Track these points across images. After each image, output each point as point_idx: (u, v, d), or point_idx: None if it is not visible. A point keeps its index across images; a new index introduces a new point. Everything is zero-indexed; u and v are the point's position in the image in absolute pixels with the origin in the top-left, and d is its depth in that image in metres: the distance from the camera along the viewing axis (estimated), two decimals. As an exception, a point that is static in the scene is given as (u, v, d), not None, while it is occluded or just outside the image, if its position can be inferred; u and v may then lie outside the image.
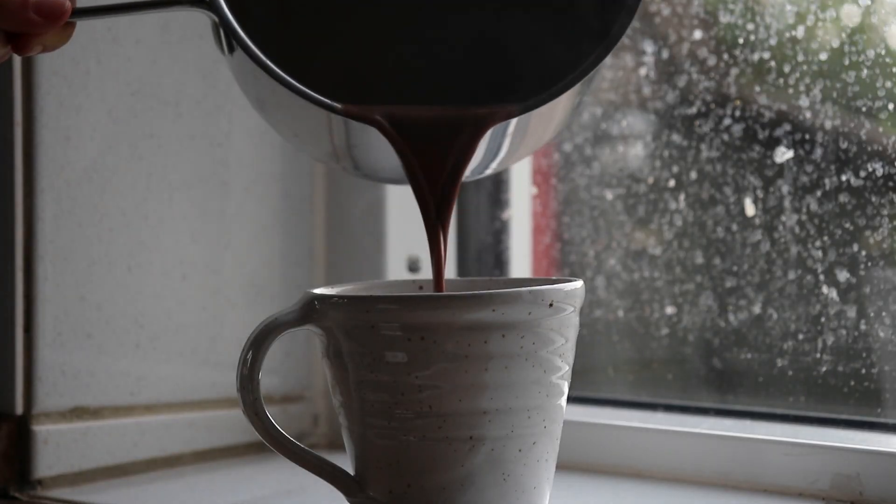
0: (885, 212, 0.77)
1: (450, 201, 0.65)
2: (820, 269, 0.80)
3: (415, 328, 0.60)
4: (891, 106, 0.77)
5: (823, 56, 0.80)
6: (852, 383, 0.78)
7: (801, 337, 0.81)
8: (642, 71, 0.87)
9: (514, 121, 0.63)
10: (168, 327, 0.83)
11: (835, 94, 0.79)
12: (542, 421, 0.62)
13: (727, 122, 0.83)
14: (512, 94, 0.64)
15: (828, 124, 0.79)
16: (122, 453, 0.81)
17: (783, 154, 0.81)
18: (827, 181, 0.79)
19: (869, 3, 0.79)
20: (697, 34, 0.85)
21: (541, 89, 0.63)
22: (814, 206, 0.80)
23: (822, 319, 0.79)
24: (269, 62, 0.62)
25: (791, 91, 0.81)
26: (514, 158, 0.69)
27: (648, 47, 0.87)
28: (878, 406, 0.77)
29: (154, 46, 0.82)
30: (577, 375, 0.70)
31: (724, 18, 0.84)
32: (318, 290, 0.64)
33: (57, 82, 0.78)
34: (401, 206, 0.89)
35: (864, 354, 0.78)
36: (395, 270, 0.89)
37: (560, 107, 0.64)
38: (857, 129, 0.78)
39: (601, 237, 0.89)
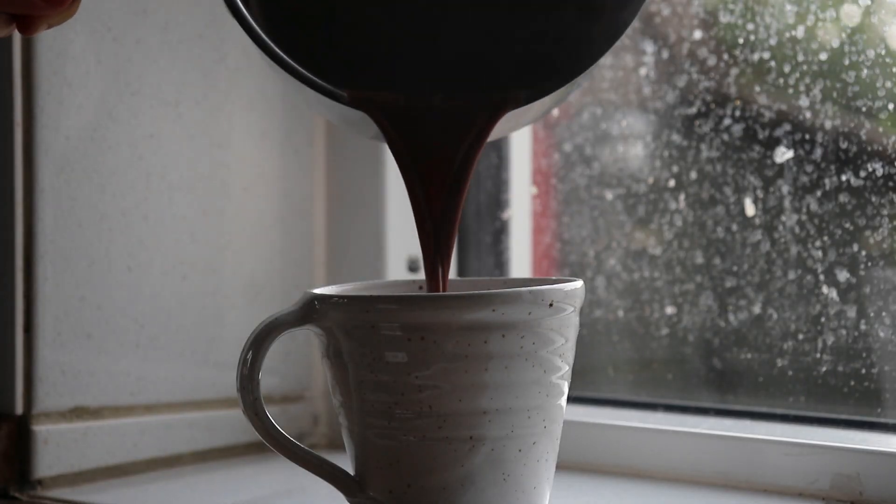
0: (885, 212, 0.77)
1: (455, 211, 0.65)
2: (820, 269, 0.80)
3: (415, 328, 0.60)
4: (891, 106, 0.77)
5: (823, 56, 0.80)
6: (852, 383, 0.78)
7: (801, 337, 0.80)
8: (642, 71, 0.87)
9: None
10: (168, 327, 0.83)
11: (835, 94, 0.79)
12: (542, 421, 0.62)
13: (727, 122, 0.83)
14: (519, 81, 0.64)
15: (828, 124, 0.79)
16: (122, 453, 0.81)
17: (783, 154, 0.81)
18: (827, 181, 0.79)
19: (869, 3, 0.79)
20: (697, 34, 0.85)
21: (549, 75, 0.63)
22: (814, 206, 0.80)
23: (822, 319, 0.79)
24: (274, 46, 0.62)
25: (791, 91, 0.81)
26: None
27: (648, 47, 0.87)
28: (878, 406, 0.77)
29: (154, 46, 0.82)
30: (577, 375, 0.70)
31: (724, 18, 0.84)
32: (318, 290, 0.64)
33: (57, 82, 0.78)
34: (401, 206, 0.89)
35: (864, 354, 0.78)
36: (395, 270, 0.89)
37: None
38: (857, 129, 0.78)
39: (601, 237, 0.89)
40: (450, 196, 0.64)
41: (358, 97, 0.63)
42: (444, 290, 0.65)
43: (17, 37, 0.77)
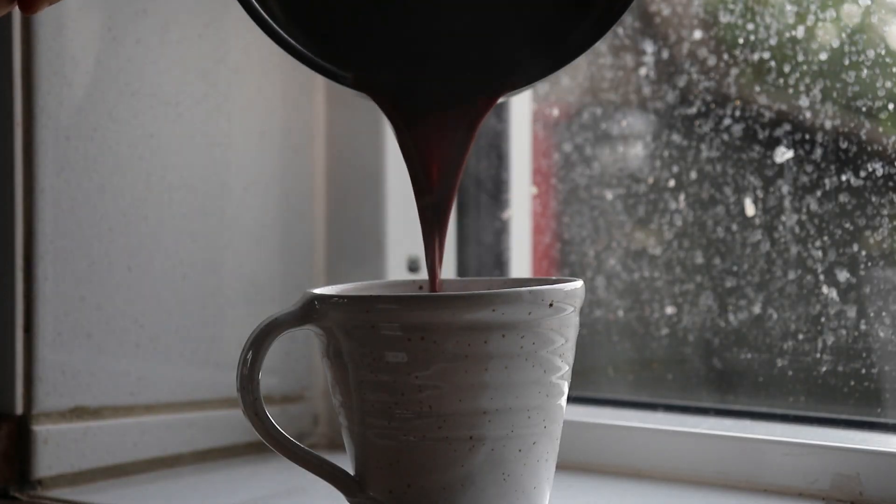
0: (885, 212, 0.77)
1: (450, 193, 0.65)
2: (820, 269, 0.80)
3: (415, 328, 0.60)
4: (891, 106, 0.77)
5: (823, 56, 0.80)
6: (852, 383, 0.78)
7: (801, 337, 0.80)
8: (642, 71, 0.87)
9: None
10: (168, 327, 0.83)
11: (835, 94, 0.79)
12: (542, 421, 0.62)
13: (727, 122, 0.83)
14: (515, 65, 0.65)
15: (828, 124, 0.79)
16: (122, 453, 0.81)
17: (783, 154, 0.81)
18: (827, 181, 0.79)
19: (869, 3, 0.79)
20: (697, 34, 0.85)
21: (544, 59, 0.64)
22: (814, 206, 0.80)
23: (822, 319, 0.79)
24: (278, 28, 0.63)
25: (791, 91, 0.81)
26: None
27: (648, 47, 0.87)
28: (878, 406, 0.77)
29: (154, 46, 0.82)
30: (577, 375, 0.70)
31: (724, 18, 0.84)
32: (318, 290, 0.64)
33: (57, 82, 0.78)
34: (401, 206, 0.89)
35: (864, 354, 0.78)
36: (395, 270, 0.89)
37: None
38: (857, 129, 0.78)
39: (601, 237, 0.89)
40: (447, 172, 0.65)
41: (360, 80, 0.64)
42: (440, 254, 0.66)
43: (17, 36, 0.77)
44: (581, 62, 0.90)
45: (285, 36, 0.64)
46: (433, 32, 0.66)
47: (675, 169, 0.86)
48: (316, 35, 0.65)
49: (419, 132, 0.65)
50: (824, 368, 0.79)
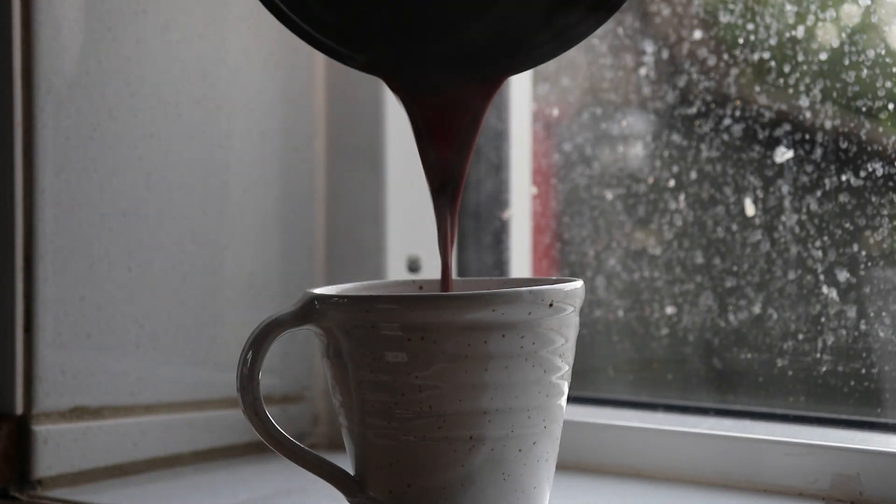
0: (885, 212, 0.77)
1: (462, 173, 0.65)
2: (820, 269, 0.80)
3: (415, 328, 0.60)
4: (891, 106, 0.77)
5: (823, 56, 0.80)
6: (852, 383, 0.78)
7: (801, 337, 0.80)
8: (642, 71, 0.87)
9: None
10: (168, 327, 0.83)
11: (835, 94, 0.79)
12: (542, 421, 0.62)
13: (727, 122, 0.83)
14: (517, 51, 0.65)
15: (828, 124, 0.79)
16: (122, 453, 0.81)
17: (783, 154, 0.81)
18: (827, 181, 0.79)
19: (869, 3, 0.79)
20: (697, 34, 0.85)
21: (552, 39, 0.64)
22: (814, 206, 0.80)
23: (822, 319, 0.79)
24: (284, 7, 0.63)
25: (791, 91, 0.81)
26: None
27: (648, 47, 0.87)
28: (878, 406, 0.77)
29: (154, 46, 0.82)
30: (577, 375, 0.70)
31: (724, 18, 0.84)
32: (318, 290, 0.64)
33: (57, 82, 0.78)
34: (401, 206, 0.89)
35: (864, 354, 0.78)
36: (395, 270, 0.89)
37: None
38: (857, 129, 0.78)
39: (601, 237, 0.89)
40: (458, 151, 0.65)
41: (369, 62, 0.64)
42: (452, 247, 0.66)
43: (17, 36, 0.77)
44: (581, 62, 0.90)
45: (293, 17, 0.64)
46: (442, 11, 0.66)
47: (675, 169, 0.86)
48: (323, 16, 0.65)
49: (429, 112, 0.65)
50: (824, 368, 0.79)
